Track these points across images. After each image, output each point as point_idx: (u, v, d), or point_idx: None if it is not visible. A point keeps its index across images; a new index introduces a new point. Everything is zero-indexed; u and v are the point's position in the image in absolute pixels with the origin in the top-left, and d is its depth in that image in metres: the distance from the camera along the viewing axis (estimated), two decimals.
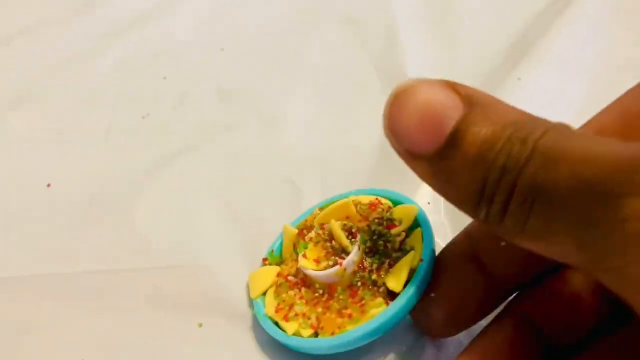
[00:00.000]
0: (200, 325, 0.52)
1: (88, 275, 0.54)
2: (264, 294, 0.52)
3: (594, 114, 0.40)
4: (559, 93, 0.62)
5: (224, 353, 0.50)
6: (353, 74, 0.72)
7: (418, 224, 0.49)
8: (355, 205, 0.52)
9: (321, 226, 0.51)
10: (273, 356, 0.49)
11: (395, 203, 0.52)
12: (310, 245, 0.50)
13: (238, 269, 0.54)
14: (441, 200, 0.54)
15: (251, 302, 0.52)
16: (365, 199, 0.53)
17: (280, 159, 0.65)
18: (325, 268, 0.48)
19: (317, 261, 0.49)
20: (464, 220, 0.47)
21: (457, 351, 0.44)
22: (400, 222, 0.49)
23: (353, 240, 0.48)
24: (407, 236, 0.49)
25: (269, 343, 0.49)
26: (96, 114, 0.66)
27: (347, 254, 0.48)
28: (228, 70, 0.74)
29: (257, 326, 0.51)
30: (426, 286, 0.46)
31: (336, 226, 0.49)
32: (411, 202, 0.52)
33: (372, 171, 0.60)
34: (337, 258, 0.48)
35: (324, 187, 0.60)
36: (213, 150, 0.66)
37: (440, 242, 0.50)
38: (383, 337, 0.45)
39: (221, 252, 0.58)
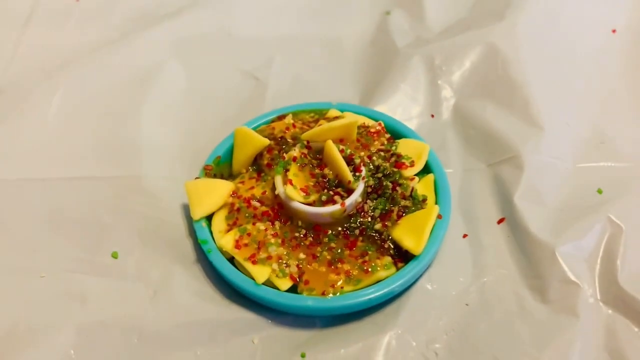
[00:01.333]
0: (115, 255, 0.37)
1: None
2: (209, 216, 0.38)
3: None
4: None
5: (143, 296, 0.36)
6: None
7: (429, 168, 0.40)
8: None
9: (307, 144, 0.38)
10: (219, 304, 0.36)
11: (395, 133, 0.42)
12: (294, 167, 0.37)
13: (177, 181, 0.39)
14: (447, 111, 0.45)
15: (190, 225, 0.38)
16: (360, 119, 0.42)
17: (241, 50, 0.49)
18: (316, 202, 0.36)
19: (306, 192, 0.36)
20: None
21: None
22: (412, 163, 0.39)
23: (357, 174, 0.37)
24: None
25: (217, 286, 0.37)
26: None
27: (344, 188, 0.37)
28: None
29: (200, 262, 0.38)
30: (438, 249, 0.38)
31: (336, 152, 0.37)
32: (415, 135, 0.42)
33: (357, 74, 0.48)
34: (332, 193, 0.36)
35: (295, 87, 0.46)
36: (156, 37, 0.49)
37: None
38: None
39: (158, 160, 0.42)
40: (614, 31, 0.48)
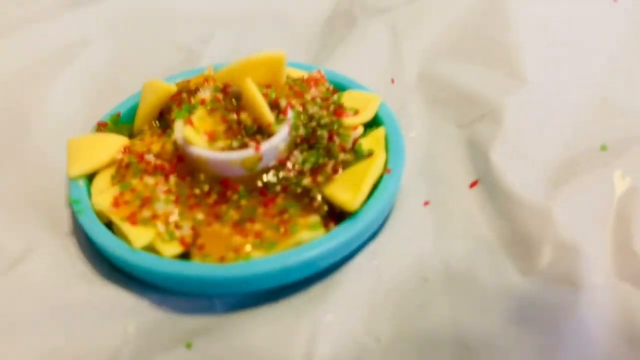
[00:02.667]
0: None
1: None
2: (92, 176, 0.29)
3: None
4: None
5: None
6: None
7: (378, 121, 0.31)
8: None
9: (223, 88, 0.30)
10: (90, 283, 0.27)
11: (340, 87, 0.34)
12: (201, 111, 0.29)
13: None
14: (411, 75, 0.37)
15: (68, 185, 0.30)
16: (298, 73, 0.34)
17: (179, 26, 0.43)
18: (225, 150, 0.28)
19: (212, 137, 0.28)
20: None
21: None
22: (356, 112, 0.31)
23: (281, 116, 0.29)
24: (361, 135, 0.30)
25: (93, 262, 0.27)
26: None
27: (265, 135, 0.28)
28: None
29: (76, 233, 0.29)
30: (389, 210, 0.28)
31: (254, 89, 0.28)
32: (364, 88, 0.33)
33: (306, 48, 0.40)
34: (247, 139, 0.28)
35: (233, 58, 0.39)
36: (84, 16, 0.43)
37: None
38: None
39: (56, 130, 0.34)
40: (614, 0, 0.41)
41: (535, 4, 0.39)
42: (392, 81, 0.36)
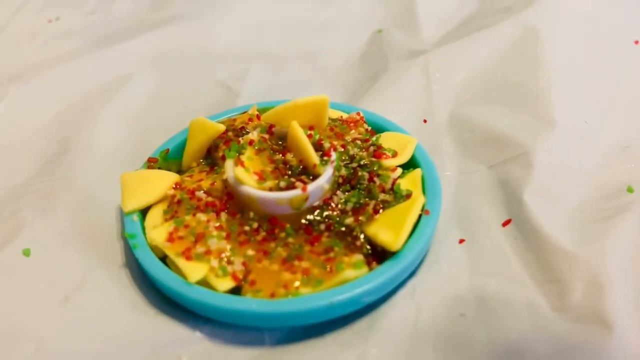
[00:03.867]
0: (27, 253, 0.30)
1: None
2: (146, 211, 0.31)
3: None
4: None
5: (51, 300, 0.28)
6: None
7: (415, 162, 0.33)
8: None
9: (269, 129, 0.32)
10: (144, 313, 0.28)
11: (378, 128, 0.35)
12: (250, 151, 0.31)
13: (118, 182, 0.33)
14: (442, 116, 0.38)
15: (121, 219, 0.32)
16: (337, 113, 0.36)
17: (217, 62, 0.45)
18: (273, 190, 0.29)
19: (261, 177, 0.30)
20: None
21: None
22: (395, 154, 0.32)
23: (326, 158, 0.30)
24: (400, 176, 0.32)
25: (145, 293, 0.29)
26: None
27: (311, 176, 0.30)
28: None
29: (129, 266, 0.30)
30: (427, 249, 0.30)
31: (300, 132, 0.30)
32: (401, 129, 0.35)
33: (340, 86, 0.42)
34: (293, 179, 0.29)
35: (269, 96, 0.41)
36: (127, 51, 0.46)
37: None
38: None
39: (106, 163, 0.37)
40: (636, 42, 0.43)
41: (562, 48, 0.40)
42: (425, 121, 0.38)
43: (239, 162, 0.30)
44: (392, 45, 0.44)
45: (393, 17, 0.48)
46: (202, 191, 0.30)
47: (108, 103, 0.40)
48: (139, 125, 0.39)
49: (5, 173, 0.36)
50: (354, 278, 0.27)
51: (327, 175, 0.29)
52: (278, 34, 0.47)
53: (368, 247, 0.28)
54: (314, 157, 0.30)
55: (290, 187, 0.29)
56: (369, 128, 0.34)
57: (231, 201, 0.30)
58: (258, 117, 0.34)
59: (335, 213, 0.29)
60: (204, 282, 0.27)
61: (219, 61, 0.45)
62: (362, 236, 0.28)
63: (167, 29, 0.48)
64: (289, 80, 0.43)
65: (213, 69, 0.44)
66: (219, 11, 0.50)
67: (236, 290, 0.27)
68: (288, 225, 0.29)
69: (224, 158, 0.32)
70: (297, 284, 0.26)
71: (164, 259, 0.29)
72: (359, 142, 0.32)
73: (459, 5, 0.48)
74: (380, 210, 0.29)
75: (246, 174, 0.29)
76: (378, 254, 0.28)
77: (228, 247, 0.28)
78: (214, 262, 0.27)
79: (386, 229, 0.28)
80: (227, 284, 0.27)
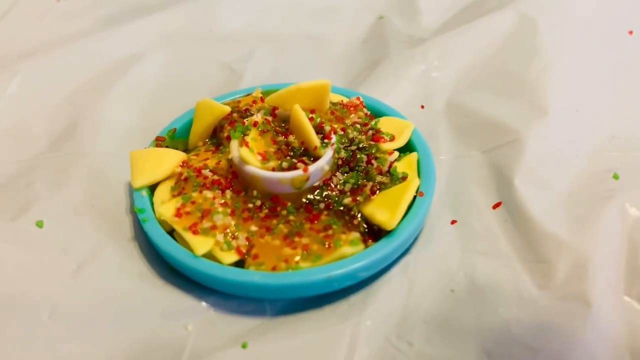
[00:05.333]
0: (40, 224, 0.32)
1: None
2: (154, 187, 0.33)
3: None
4: None
5: (64, 269, 0.30)
6: None
7: (412, 146, 0.34)
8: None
9: (272, 111, 0.33)
10: (152, 283, 0.30)
11: (377, 113, 0.37)
12: (254, 132, 0.32)
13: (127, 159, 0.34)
14: (439, 102, 0.40)
15: (132, 196, 0.33)
16: (337, 97, 0.37)
17: (222, 45, 0.46)
18: (275, 170, 0.31)
19: (264, 157, 0.31)
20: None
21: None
22: (392, 138, 0.34)
23: (326, 141, 0.32)
24: (396, 159, 0.34)
25: (153, 265, 0.31)
26: None
27: (312, 157, 0.31)
28: None
29: (138, 238, 0.32)
30: (421, 229, 0.32)
31: (302, 115, 0.32)
32: (399, 114, 0.37)
33: (342, 69, 0.43)
34: (295, 160, 0.31)
35: (272, 79, 0.42)
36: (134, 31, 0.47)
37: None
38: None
39: (113, 139, 0.38)
40: (630, 33, 0.44)
41: (557, 38, 0.42)
42: (422, 107, 0.39)
43: (243, 143, 0.31)
44: (393, 32, 0.45)
45: (394, 2, 0.49)
46: (208, 169, 0.32)
47: (117, 82, 0.42)
48: (146, 104, 0.41)
49: (18, 148, 0.37)
50: (351, 254, 0.28)
51: (327, 157, 0.31)
52: (282, 17, 0.49)
53: (365, 225, 0.30)
54: (315, 140, 0.31)
55: (292, 167, 0.31)
56: (368, 112, 0.36)
57: (236, 180, 0.31)
58: (262, 100, 0.36)
59: (334, 193, 0.31)
60: (209, 255, 0.29)
61: (223, 43, 0.46)
62: (359, 215, 0.30)
63: (173, 9, 0.49)
64: (292, 63, 0.44)
65: (218, 51, 0.45)
66: None
67: (240, 264, 0.29)
68: (289, 204, 0.30)
69: (229, 138, 0.33)
70: (297, 258, 0.28)
71: (171, 232, 0.30)
72: (358, 125, 0.34)
73: None
74: (377, 192, 0.31)
75: (251, 155, 0.31)
76: (374, 233, 0.30)
77: (233, 222, 0.30)
78: (220, 237, 0.29)
79: (382, 209, 0.30)
80: (232, 257, 0.29)
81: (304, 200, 0.31)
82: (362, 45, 0.45)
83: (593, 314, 0.27)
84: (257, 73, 0.43)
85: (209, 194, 0.31)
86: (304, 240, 0.29)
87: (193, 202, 0.30)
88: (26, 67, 0.43)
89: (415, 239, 0.31)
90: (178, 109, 0.38)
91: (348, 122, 0.34)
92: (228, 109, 0.34)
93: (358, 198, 0.30)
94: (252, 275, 0.28)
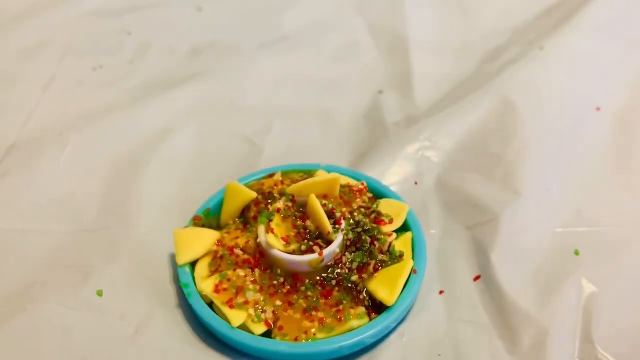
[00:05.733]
0: (100, 293, 0.38)
1: None
2: (194, 263, 0.39)
3: None
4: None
5: (124, 333, 0.37)
6: (343, 35, 0.63)
7: (407, 226, 0.41)
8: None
9: (292, 198, 0.40)
10: (195, 346, 0.37)
11: (377, 194, 0.44)
12: (277, 218, 0.39)
13: (169, 232, 0.41)
14: (430, 179, 0.47)
15: (175, 271, 0.40)
16: (345, 179, 0.44)
17: (242, 117, 0.53)
18: (295, 251, 0.38)
19: (287, 241, 0.38)
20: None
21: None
22: (391, 220, 0.41)
23: (337, 226, 0.39)
24: (394, 238, 0.40)
25: (196, 330, 0.37)
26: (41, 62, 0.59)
27: (324, 240, 0.38)
28: (201, 27, 0.64)
29: (181, 306, 0.39)
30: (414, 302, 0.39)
31: (317, 205, 0.38)
32: (396, 196, 0.43)
33: (348, 143, 0.51)
34: (311, 243, 0.38)
35: (288, 152, 0.49)
36: (164, 104, 0.54)
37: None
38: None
39: (154, 213, 0.45)
40: (597, 109, 0.51)
41: (533, 119, 0.49)
42: (416, 183, 0.46)
43: (269, 229, 0.38)
44: (390, 110, 0.53)
45: (391, 77, 0.56)
46: (239, 248, 0.39)
47: (152, 155, 0.48)
48: (180, 179, 0.47)
49: (69, 218, 0.44)
50: (358, 326, 0.35)
51: (338, 241, 0.38)
52: (294, 90, 0.56)
53: (368, 299, 0.37)
54: (327, 226, 0.38)
55: (309, 250, 0.37)
56: (371, 195, 0.43)
57: (262, 259, 0.38)
58: (282, 182, 0.43)
59: (343, 270, 0.38)
60: (244, 327, 0.35)
61: (243, 115, 0.53)
62: (364, 291, 0.37)
63: (197, 82, 0.56)
64: (304, 138, 0.51)
65: (239, 123, 0.52)
66: (244, 66, 0.58)
67: (266, 333, 0.35)
68: (307, 281, 0.37)
69: (255, 218, 0.40)
70: (313, 330, 0.35)
71: (210, 303, 0.37)
72: (362, 209, 0.41)
73: (450, 69, 0.56)
74: (379, 269, 0.38)
75: (275, 240, 0.37)
76: (376, 305, 0.37)
77: (261, 297, 0.36)
78: (251, 311, 0.36)
79: (383, 287, 0.36)
80: (261, 328, 0.35)
81: (317, 278, 0.37)
82: (364, 120, 0.52)
83: None
84: (275, 146, 0.50)
85: (241, 272, 0.37)
86: (320, 314, 0.36)
87: (229, 280, 0.37)
88: (72, 140, 0.49)
89: (410, 309, 0.38)
90: (208, 181, 0.46)
91: (354, 205, 0.41)
92: (254, 194, 0.41)
93: (363, 275, 0.37)
94: (279, 345, 0.35)
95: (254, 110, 0.53)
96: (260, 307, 0.36)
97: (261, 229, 0.38)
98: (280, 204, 0.39)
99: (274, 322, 0.36)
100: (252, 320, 0.35)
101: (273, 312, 0.36)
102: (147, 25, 0.64)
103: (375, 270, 0.37)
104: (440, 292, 0.39)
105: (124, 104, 0.53)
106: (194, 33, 0.63)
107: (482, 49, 0.59)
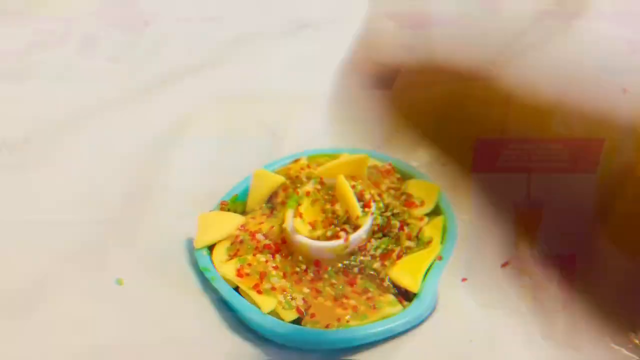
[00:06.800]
0: (121, 282, 0.37)
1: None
2: (212, 247, 0.38)
3: None
4: None
5: (148, 321, 0.36)
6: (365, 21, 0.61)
7: (439, 210, 0.40)
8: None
9: (320, 181, 0.39)
10: (222, 332, 0.36)
11: (404, 174, 0.42)
12: (307, 201, 0.38)
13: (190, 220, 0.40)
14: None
15: (193, 257, 0.39)
16: (371, 161, 0.42)
17: (264, 106, 0.52)
18: (321, 238, 0.36)
19: (313, 226, 0.37)
20: None
21: None
22: (422, 203, 0.39)
23: (366, 209, 0.37)
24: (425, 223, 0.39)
25: (222, 316, 0.36)
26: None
27: (351, 225, 0.37)
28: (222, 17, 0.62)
29: (203, 292, 0.37)
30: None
31: (346, 186, 0.37)
32: (424, 176, 0.42)
33: (371, 131, 0.49)
34: (338, 229, 0.37)
35: (311, 141, 0.48)
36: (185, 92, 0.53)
37: None
38: None
39: (179, 201, 0.43)
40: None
41: None
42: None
43: (297, 214, 0.37)
44: None
45: None
46: (261, 234, 0.38)
47: (174, 144, 0.47)
48: (204, 168, 0.46)
49: (92, 208, 0.43)
50: (392, 314, 0.34)
51: (366, 226, 0.36)
52: (316, 76, 0.54)
53: (393, 287, 0.36)
54: (357, 210, 0.37)
55: (335, 236, 0.36)
56: (399, 177, 0.42)
57: (284, 245, 0.37)
58: (309, 167, 0.41)
59: (366, 258, 0.36)
60: (273, 313, 0.35)
61: (263, 103, 0.52)
62: (387, 280, 0.36)
63: (220, 70, 0.55)
64: (327, 122, 0.50)
65: (262, 111, 0.51)
66: (266, 52, 0.57)
67: (297, 321, 0.34)
68: (329, 268, 0.36)
69: (283, 203, 0.39)
70: (348, 317, 0.34)
71: (235, 289, 0.36)
72: (392, 191, 0.40)
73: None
74: (403, 256, 0.37)
75: (303, 225, 0.36)
76: (402, 293, 0.36)
77: (288, 285, 0.35)
78: (281, 297, 0.35)
79: (406, 273, 0.36)
80: (293, 315, 0.34)
81: (340, 265, 0.36)
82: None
83: None
84: (298, 133, 0.49)
85: (262, 257, 0.36)
86: (352, 302, 0.35)
87: (249, 264, 0.36)
88: (92, 128, 0.48)
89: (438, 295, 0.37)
90: (232, 169, 0.44)
91: (383, 187, 0.40)
92: (282, 179, 0.40)
93: (386, 262, 0.36)
94: (312, 332, 0.33)
95: (276, 97, 0.52)
96: (289, 294, 0.35)
97: (289, 213, 0.37)
98: (309, 187, 0.38)
99: (306, 310, 0.35)
100: (283, 307, 0.34)
101: (303, 299, 0.35)
102: (166, 13, 0.63)
103: (399, 257, 0.36)
104: (463, 279, 0.38)
105: (145, 93, 0.52)
106: (215, 22, 0.62)
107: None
